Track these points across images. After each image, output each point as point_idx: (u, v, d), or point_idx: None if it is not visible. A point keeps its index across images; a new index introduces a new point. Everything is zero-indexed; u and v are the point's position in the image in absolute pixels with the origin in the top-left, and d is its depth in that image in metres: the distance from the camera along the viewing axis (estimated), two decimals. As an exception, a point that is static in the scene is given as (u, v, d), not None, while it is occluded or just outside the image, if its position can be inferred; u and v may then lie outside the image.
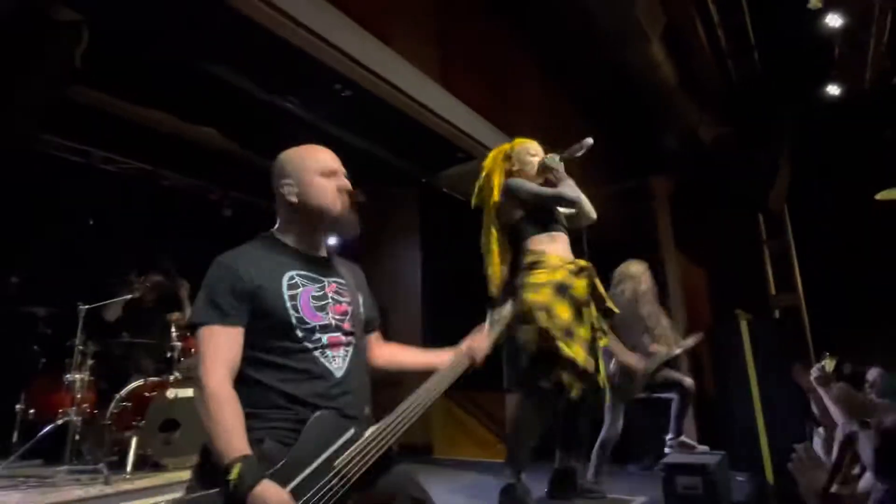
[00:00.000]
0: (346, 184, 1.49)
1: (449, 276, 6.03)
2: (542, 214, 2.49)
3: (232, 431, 1.20)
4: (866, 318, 4.99)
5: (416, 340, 6.31)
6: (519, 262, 2.49)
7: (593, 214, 2.55)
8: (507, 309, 1.73)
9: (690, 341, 3.60)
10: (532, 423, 2.31)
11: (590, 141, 2.43)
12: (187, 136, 5.38)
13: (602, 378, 2.43)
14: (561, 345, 2.21)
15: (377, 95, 4.12)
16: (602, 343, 2.41)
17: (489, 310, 1.71)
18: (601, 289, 2.47)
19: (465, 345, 1.58)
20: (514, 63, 5.21)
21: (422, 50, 4.35)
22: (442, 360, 1.55)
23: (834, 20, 4.25)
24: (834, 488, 2.01)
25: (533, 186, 2.50)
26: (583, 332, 2.28)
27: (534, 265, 2.40)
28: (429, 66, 4.31)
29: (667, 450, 3.66)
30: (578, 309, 2.31)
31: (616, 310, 2.53)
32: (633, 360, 3.32)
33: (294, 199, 1.45)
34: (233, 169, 5.82)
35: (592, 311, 2.40)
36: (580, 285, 2.33)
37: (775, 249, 6.33)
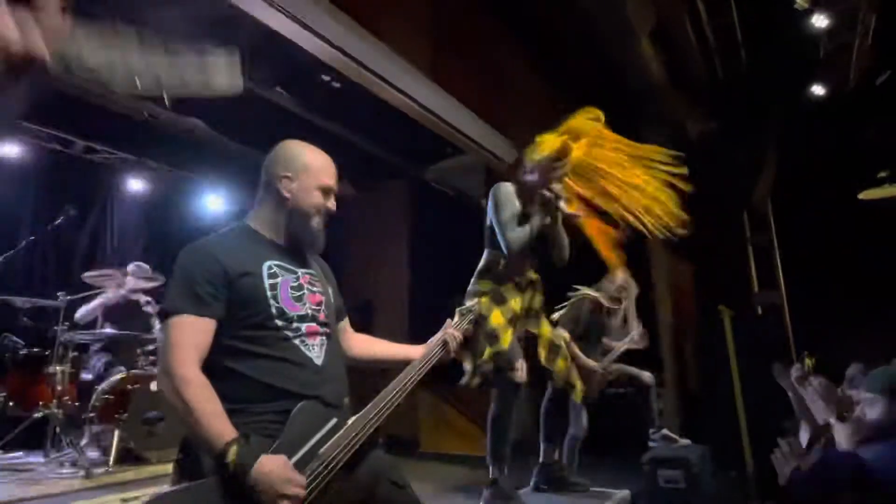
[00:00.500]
0: (333, 207, 1.51)
1: (436, 269, 6.03)
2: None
3: (217, 416, 1.19)
4: (847, 316, 5.07)
5: (403, 333, 6.31)
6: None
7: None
8: (473, 303, 1.79)
9: (635, 335, 3.66)
10: (501, 417, 2.35)
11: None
12: (171, 126, 5.30)
13: (558, 379, 2.48)
14: (481, 347, 2.32)
15: (366, 88, 4.08)
16: (542, 351, 2.45)
17: (459, 304, 1.77)
18: (537, 304, 2.52)
19: (437, 336, 1.60)
20: (505, 59, 5.20)
21: (413, 43, 4.32)
22: (415, 352, 1.58)
23: (820, 20, 4.29)
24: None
25: (503, 216, 2.36)
26: (506, 337, 2.32)
27: (484, 273, 2.45)
28: (420, 59, 4.28)
29: (650, 443, 3.71)
30: (511, 319, 2.37)
31: (555, 318, 2.68)
32: (590, 363, 3.42)
33: (287, 195, 1.45)
34: (218, 160, 5.76)
35: (536, 321, 2.48)
36: (516, 301, 2.39)
37: (759, 247, 6.40)
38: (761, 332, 5.48)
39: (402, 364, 1.52)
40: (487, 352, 2.30)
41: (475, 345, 2.32)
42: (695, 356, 6.01)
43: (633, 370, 3.73)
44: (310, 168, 1.47)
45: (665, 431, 3.77)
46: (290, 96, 4.77)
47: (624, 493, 2.55)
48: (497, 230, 2.38)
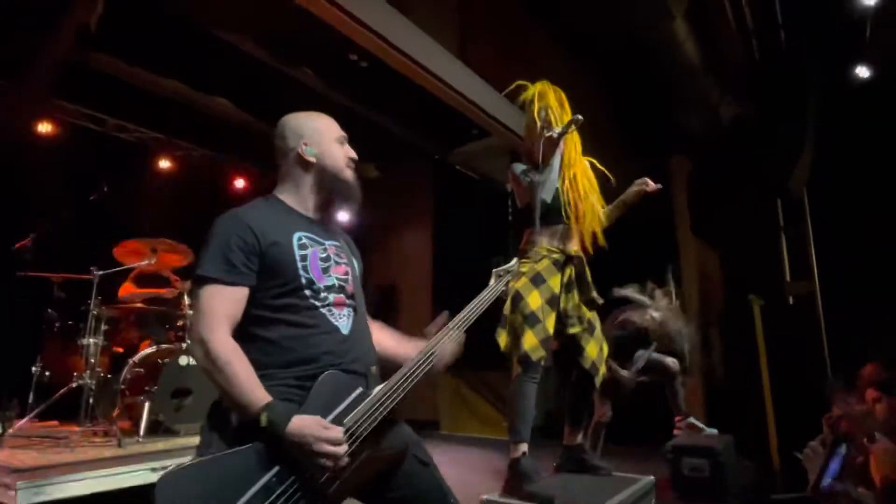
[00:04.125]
0: (354, 154, 1.55)
1: (460, 249, 6.02)
2: (543, 206, 2.41)
3: (250, 381, 1.20)
4: (882, 308, 4.91)
5: (426, 315, 6.33)
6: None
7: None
8: (511, 264, 1.73)
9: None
10: (521, 396, 2.32)
11: (579, 118, 2.37)
12: (200, 105, 5.36)
13: (587, 359, 2.43)
14: (520, 330, 2.28)
15: (393, 68, 4.05)
16: (572, 331, 2.40)
17: (494, 266, 1.71)
18: (588, 279, 2.48)
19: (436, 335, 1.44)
20: (535, 39, 5.10)
21: (441, 23, 4.26)
22: (406, 350, 1.49)
23: (868, -2, 4.10)
24: (826, 482, 2.00)
25: (522, 188, 2.42)
26: (548, 321, 2.29)
27: (521, 254, 2.42)
28: (447, 38, 4.23)
29: (676, 432, 3.68)
30: (551, 300, 2.32)
31: (600, 301, 2.52)
32: (620, 371, 3.49)
33: (312, 160, 1.48)
34: (245, 139, 5.80)
35: (574, 299, 2.42)
36: (557, 279, 2.35)
37: (792, 235, 6.22)
38: (792, 322, 5.34)
39: (392, 362, 1.47)
40: (529, 339, 2.25)
41: (515, 327, 2.29)
42: (722, 345, 5.91)
43: (659, 356, 3.69)
44: (320, 128, 1.53)
45: (691, 420, 3.73)
46: (317, 76, 4.77)
47: (648, 479, 2.52)
48: (530, 191, 2.36)
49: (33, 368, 3.59)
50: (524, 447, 2.29)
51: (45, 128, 4.83)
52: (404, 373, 1.33)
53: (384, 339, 1.59)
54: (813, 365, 5.22)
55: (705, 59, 5.19)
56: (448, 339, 1.43)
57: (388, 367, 1.47)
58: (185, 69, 4.82)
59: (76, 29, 3.91)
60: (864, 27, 4.53)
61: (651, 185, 2.63)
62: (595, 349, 2.46)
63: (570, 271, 2.43)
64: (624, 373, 3.51)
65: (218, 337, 1.23)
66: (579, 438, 2.63)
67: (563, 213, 2.46)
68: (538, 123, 2.46)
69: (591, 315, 2.49)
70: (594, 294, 2.50)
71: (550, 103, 2.51)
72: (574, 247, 2.47)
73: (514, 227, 2.62)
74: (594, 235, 2.53)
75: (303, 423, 1.16)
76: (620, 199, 2.66)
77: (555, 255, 2.40)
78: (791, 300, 6.10)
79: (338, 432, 1.18)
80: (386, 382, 1.32)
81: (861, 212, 5.35)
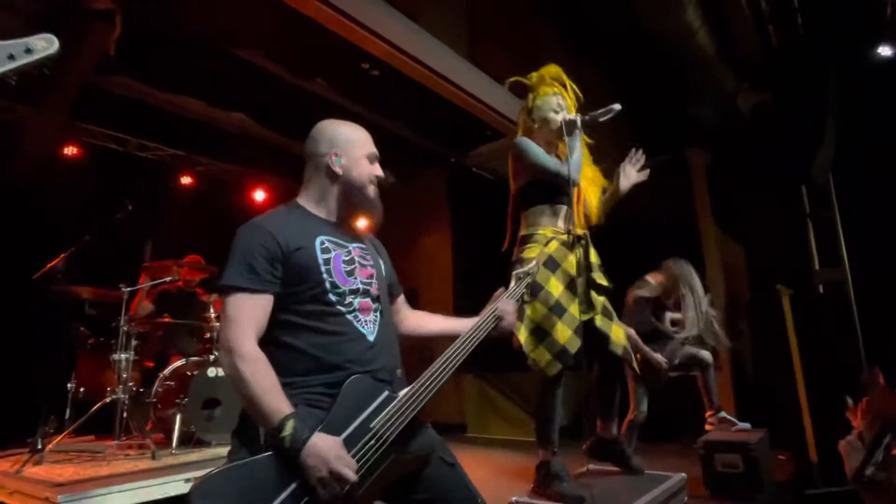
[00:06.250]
0: (382, 173, 1.56)
1: (479, 253, 6.00)
2: (546, 184, 2.32)
3: (274, 392, 1.22)
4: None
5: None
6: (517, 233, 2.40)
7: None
8: (531, 266, 1.73)
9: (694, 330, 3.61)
10: (547, 398, 2.26)
11: (617, 107, 2.26)
12: (218, 121, 5.45)
13: (617, 345, 2.30)
14: (548, 323, 2.16)
15: (405, 74, 4.07)
16: (585, 317, 2.24)
17: (515, 268, 1.70)
18: (595, 259, 2.36)
19: (488, 308, 1.57)
20: (544, 36, 5.07)
21: (451, 27, 4.27)
22: (467, 324, 1.56)
23: (886, -24, 3.99)
24: (869, 471, 1.94)
25: (537, 153, 2.29)
26: (573, 308, 2.18)
27: (526, 239, 2.32)
28: (457, 41, 4.24)
29: (707, 427, 3.61)
30: (570, 283, 2.21)
31: (606, 283, 2.38)
32: (658, 358, 3.44)
33: (339, 170, 1.49)
34: (263, 152, 5.89)
35: (583, 284, 2.28)
36: (572, 259, 2.24)
37: (819, 222, 6.06)
38: (823, 311, 5.22)
39: (453, 337, 1.51)
40: (562, 330, 2.13)
41: (538, 322, 2.18)
42: (751, 337, 5.79)
43: (693, 349, 3.63)
44: (353, 140, 1.53)
45: (723, 414, 3.66)
46: (331, 86, 4.82)
47: (680, 476, 2.47)
48: (542, 173, 2.28)
49: (68, 385, 3.68)
50: (553, 448, 2.26)
51: (69, 150, 4.98)
52: (430, 374, 1.34)
53: (429, 322, 1.67)
54: (847, 354, 5.09)
55: (720, 47, 5.10)
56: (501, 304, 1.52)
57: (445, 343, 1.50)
58: (201, 86, 4.92)
59: (96, 52, 4.01)
60: (885, 4, 4.41)
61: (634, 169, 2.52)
62: (621, 332, 2.34)
63: (579, 252, 2.30)
64: (658, 357, 3.44)
65: (244, 346, 1.25)
66: (614, 430, 2.54)
67: (565, 195, 2.32)
68: (544, 113, 2.40)
69: (603, 299, 2.35)
70: (602, 277, 2.37)
71: (558, 90, 2.46)
72: (579, 228, 2.38)
73: (514, 213, 2.46)
74: (587, 218, 2.46)
75: (319, 447, 1.17)
76: (612, 193, 2.54)
77: (562, 237, 2.30)
78: (821, 288, 5.94)
79: (350, 467, 1.18)
80: (412, 384, 1.33)
81: (890, 194, 5.20)
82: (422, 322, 1.67)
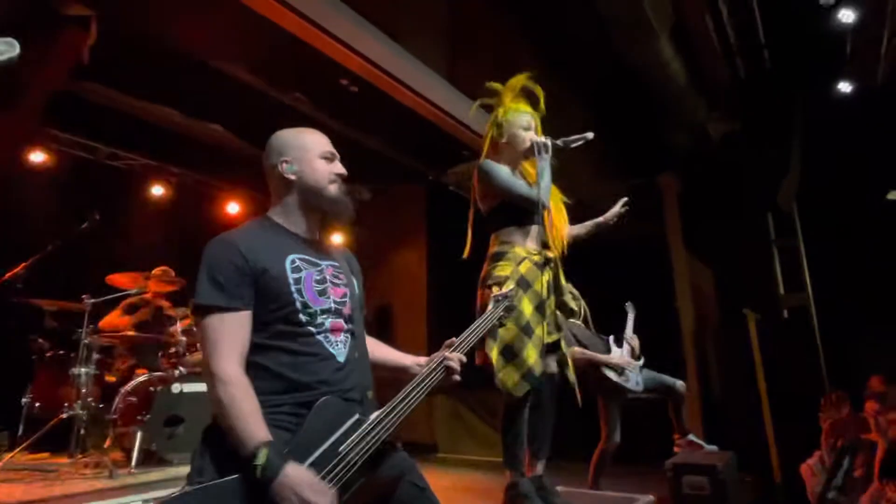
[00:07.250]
0: (342, 169, 1.50)
1: (454, 271, 6.01)
2: (515, 206, 2.31)
3: (252, 417, 1.18)
4: (876, 319, 4.93)
5: (422, 336, 6.30)
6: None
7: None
8: (510, 289, 1.72)
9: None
10: (514, 418, 2.23)
11: (590, 135, 2.31)
12: (193, 131, 5.38)
13: (572, 373, 2.31)
14: (519, 343, 2.14)
15: (384, 91, 4.10)
16: (551, 339, 2.24)
17: (486, 284, 1.69)
18: (563, 282, 2.36)
19: (437, 356, 1.44)
20: (523, 59, 5.16)
21: (430, 46, 4.32)
22: (409, 362, 1.53)
23: (847, 15, 4.20)
24: (831, 495, 1.98)
25: (504, 177, 2.29)
26: (539, 330, 2.17)
27: (498, 256, 2.29)
28: (436, 61, 4.29)
29: (676, 449, 3.64)
30: (539, 305, 2.20)
31: (575, 307, 2.38)
32: (611, 357, 3.37)
33: (291, 177, 1.45)
34: (238, 164, 5.82)
35: (551, 305, 2.29)
36: (542, 280, 2.24)
37: (784, 248, 6.26)
38: (788, 335, 5.36)
39: (394, 373, 1.49)
40: (530, 351, 2.10)
41: (508, 342, 2.13)
42: (718, 360, 5.90)
43: (668, 379, 3.63)
44: (304, 144, 1.49)
45: (691, 437, 3.69)
46: (309, 101, 4.81)
47: (648, 498, 2.49)
48: (510, 197, 2.28)
49: (23, 399, 3.54)
50: (522, 468, 2.25)
51: (36, 157, 4.84)
52: (407, 391, 1.32)
53: (385, 350, 1.60)
54: (810, 376, 5.22)
55: (691, 78, 5.28)
56: (451, 355, 1.41)
57: (390, 379, 1.47)
58: (176, 96, 4.86)
59: (69, 60, 3.94)
60: (845, 44, 4.64)
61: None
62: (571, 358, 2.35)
63: (549, 274, 2.29)
64: (621, 360, 3.38)
65: (224, 369, 1.22)
66: (539, 468, 2.33)
67: (536, 216, 2.32)
68: (514, 129, 2.40)
69: (565, 322, 2.37)
70: (572, 300, 2.36)
71: (528, 109, 2.47)
72: (549, 250, 2.35)
73: (480, 232, 2.44)
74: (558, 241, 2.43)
75: (294, 480, 1.13)
76: (598, 220, 2.58)
77: (535, 257, 2.28)
78: (786, 313, 6.11)
79: (324, 494, 1.14)
80: (382, 408, 1.31)
81: (850, 222, 5.41)
82: (372, 348, 1.58)
